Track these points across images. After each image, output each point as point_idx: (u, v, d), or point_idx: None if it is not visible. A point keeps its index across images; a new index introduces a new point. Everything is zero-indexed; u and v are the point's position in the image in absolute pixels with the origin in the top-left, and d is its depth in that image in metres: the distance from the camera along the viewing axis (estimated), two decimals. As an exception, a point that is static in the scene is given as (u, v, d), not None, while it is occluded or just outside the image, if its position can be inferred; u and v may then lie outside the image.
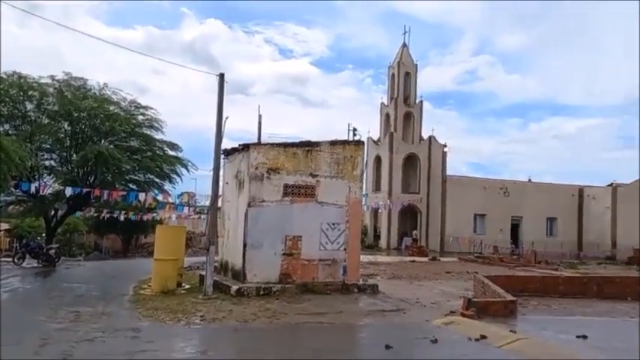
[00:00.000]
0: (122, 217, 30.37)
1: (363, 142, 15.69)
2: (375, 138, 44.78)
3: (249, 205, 13.39)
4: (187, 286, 14.56)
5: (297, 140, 14.64)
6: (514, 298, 10.94)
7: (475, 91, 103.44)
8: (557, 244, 40.11)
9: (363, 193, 23.62)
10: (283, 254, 13.47)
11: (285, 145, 14.14)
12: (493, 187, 42.95)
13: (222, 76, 13.56)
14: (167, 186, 27.26)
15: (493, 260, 29.62)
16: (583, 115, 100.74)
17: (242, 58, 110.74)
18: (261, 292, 12.68)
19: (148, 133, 26.76)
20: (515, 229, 43.40)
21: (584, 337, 8.45)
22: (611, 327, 10.25)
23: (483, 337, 8.27)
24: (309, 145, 14.21)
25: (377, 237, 43.24)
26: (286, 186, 13.71)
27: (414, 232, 41.08)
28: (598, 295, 14.09)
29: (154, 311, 10.67)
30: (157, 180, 27.02)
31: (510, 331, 8.70)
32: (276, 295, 12.61)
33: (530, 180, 46.72)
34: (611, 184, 44.06)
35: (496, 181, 44.29)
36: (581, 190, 45.40)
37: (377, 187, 43.36)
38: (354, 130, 28.93)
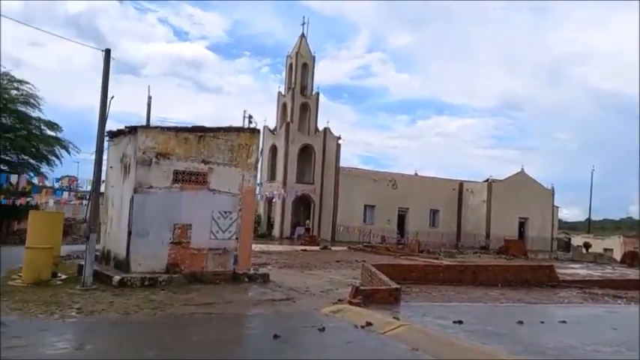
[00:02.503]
0: (-10, 201, 27.50)
1: (258, 130, 15.52)
2: (272, 127, 44.68)
3: (135, 191, 12.70)
4: (64, 277, 13.52)
5: (190, 125, 14.14)
6: (398, 286, 11.43)
7: (368, 86, 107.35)
8: (439, 235, 42.83)
9: (258, 182, 23.46)
10: (171, 243, 12.96)
11: (177, 130, 13.57)
12: (382, 180, 44.75)
13: (108, 51, 12.66)
14: (44, 168, 25.19)
15: (380, 249, 30.89)
16: (463, 115, 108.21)
17: (133, 36, 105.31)
18: (146, 283, 12.11)
19: (23, 109, 24.44)
20: (401, 219, 45.59)
21: (460, 322, 9.03)
22: (483, 312, 11.05)
23: (369, 324, 8.53)
24: (202, 131, 13.75)
25: (270, 226, 43.28)
26: (176, 172, 13.18)
27: (307, 221, 41.67)
28: (473, 282, 15.16)
29: (24, 304, 9.76)
30: (32, 161, 24.84)
31: (394, 317, 9.05)
32: (162, 286, 12.10)
33: (416, 174, 49.25)
34: (487, 180, 47.73)
35: (385, 174, 46.21)
36: (461, 185, 48.68)
37: (272, 177, 43.34)
38: (250, 117, 28.53)
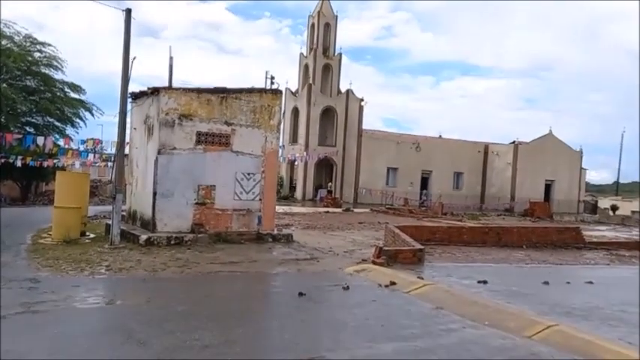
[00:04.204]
0: (19, 163, 28.03)
1: (280, 91, 15.34)
2: (293, 89, 44.29)
3: (159, 153, 12.77)
4: (92, 236, 13.85)
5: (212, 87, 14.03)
6: (422, 247, 11.40)
7: (391, 47, 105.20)
8: (463, 197, 42.55)
9: (280, 144, 23.44)
10: (196, 204, 13.09)
11: (199, 91, 13.50)
12: (405, 142, 44.30)
13: (128, 11, 12.53)
14: (69, 130, 25.48)
15: (403, 211, 30.83)
16: (490, 77, 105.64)
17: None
18: (172, 242, 12.31)
19: (47, 72, 24.56)
20: (425, 182, 45.29)
21: (485, 282, 9.00)
22: (508, 272, 10.97)
23: (393, 283, 8.56)
24: (224, 92, 13.66)
25: (293, 188, 43.47)
26: (199, 133, 13.19)
27: (329, 183, 41.72)
28: (497, 243, 15.05)
29: (55, 261, 10.04)
30: (57, 124, 25.12)
31: (418, 277, 9.05)
32: (188, 245, 12.30)
33: (440, 136, 48.59)
34: (513, 142, 46.85)
35: (408, 136, 45.71)
36: (486, 147, 47.94)
37: (294, 139, 43.24)
38: (272, 78, 28.23)
